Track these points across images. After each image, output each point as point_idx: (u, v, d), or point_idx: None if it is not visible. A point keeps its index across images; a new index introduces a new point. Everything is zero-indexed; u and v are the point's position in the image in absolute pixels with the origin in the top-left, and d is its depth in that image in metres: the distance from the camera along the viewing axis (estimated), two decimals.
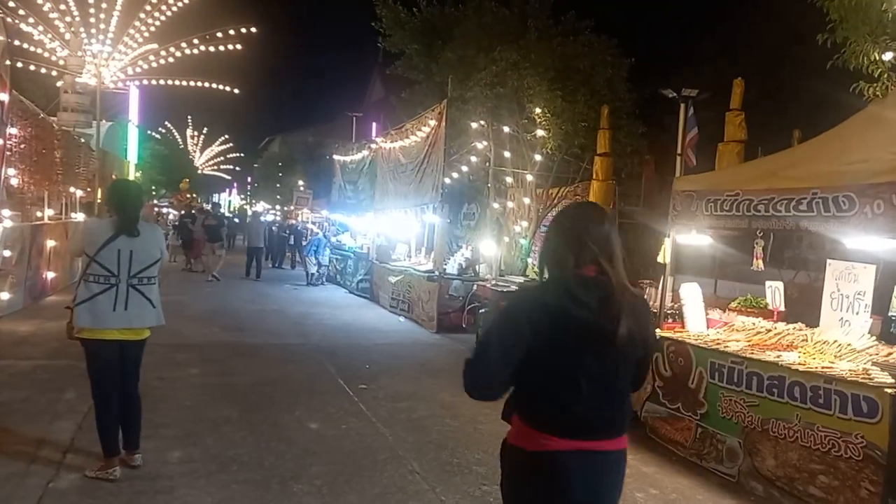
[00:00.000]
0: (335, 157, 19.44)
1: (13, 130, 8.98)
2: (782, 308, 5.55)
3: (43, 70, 20.43)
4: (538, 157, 11.11)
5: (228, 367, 7.38)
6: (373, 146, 15.77)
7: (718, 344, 5.03)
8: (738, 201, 4.92)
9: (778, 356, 4.57)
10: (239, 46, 21.93)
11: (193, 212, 19.92)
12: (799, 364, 4.37)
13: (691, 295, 5.72)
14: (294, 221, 25.66)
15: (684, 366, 5.21)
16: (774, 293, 5.52)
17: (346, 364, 7.89)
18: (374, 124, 24.26)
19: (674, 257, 5.84)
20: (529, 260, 12.24)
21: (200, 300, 12.51)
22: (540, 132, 10.78)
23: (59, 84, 19.92)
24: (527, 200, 11.61)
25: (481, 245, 11.43)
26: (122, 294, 3.96)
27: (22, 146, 9.37)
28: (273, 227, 24.59)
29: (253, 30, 23.16)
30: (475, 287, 10.36)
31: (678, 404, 5.29)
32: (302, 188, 26.92)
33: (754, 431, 4.56)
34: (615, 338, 2.04)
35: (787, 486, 4.33)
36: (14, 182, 9.33)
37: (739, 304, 5.92)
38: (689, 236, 5.53)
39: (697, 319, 5.67)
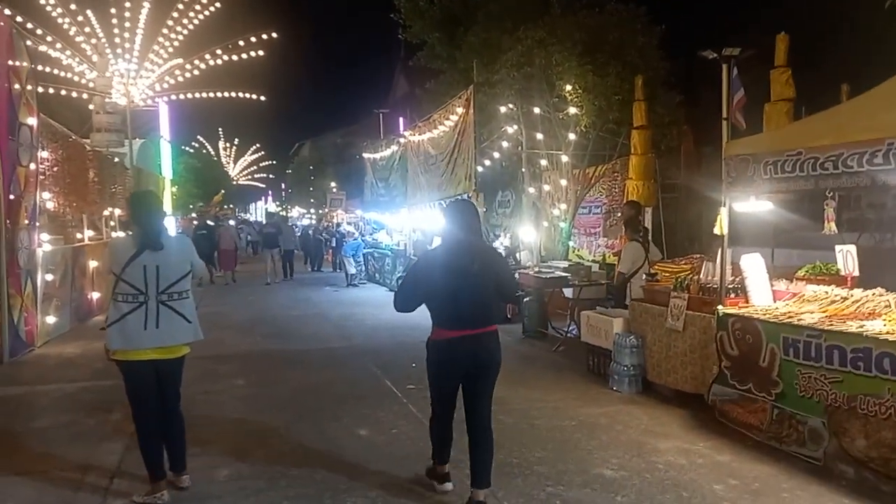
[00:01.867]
0: (364, 155, 19.29)
1: (44, 154, 9.00)
2: (856, 273, 5.10)
3: (74, 94, 20.79)
4: (572, 136, 10.70)
5: (272, 376, 7.23)
6: (401, 141, 15.54)
7: (791, 317, 4.63)
8: (801, 161, 4.50)
9: (861, 326, 4.16)
10: (261, 52, 21.91)
11: (211, 222, 19.70)
12: (887, 333, 3.96)
13: (753, 266, 5.32)
14: (329, 223, 25.68)
15: (753, 343, 4.82)
16: (846, 257, 5.08)
17: (392, 364, 7.68)
18: (401, 119, 24.03)
19: (731, 228, 5.42)
20: (571, 243, 11.87)
21: (241, 309, 12.48)
22: (572, 110, 10.37)
23: (90, 107, 20.22)
24: (563, 182, 11.22)
25: (521, 232, 11.09)
26: (151, 311, 3.78)
27: (54, 169, 9.39)
28: (309, 231, 24.66)
29: (274, 35, 23.20)
30: (517, 276, 10.02)
31: (749, 385, 4.91)
32: (334, 190, 26.89)
33: (839, 410, 4.17)
34: (470, 271, 3.75)
35: (882, 467, 3.93)
36: (50, 205, 9.36)
37: (807, 272, 5.48)
38: (747, 203, 5.12)
39: (762, 292, 5.27)
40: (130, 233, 3.98)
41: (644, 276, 7.09)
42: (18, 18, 14.46)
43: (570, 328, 8.68)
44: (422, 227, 15.13)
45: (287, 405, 6.01)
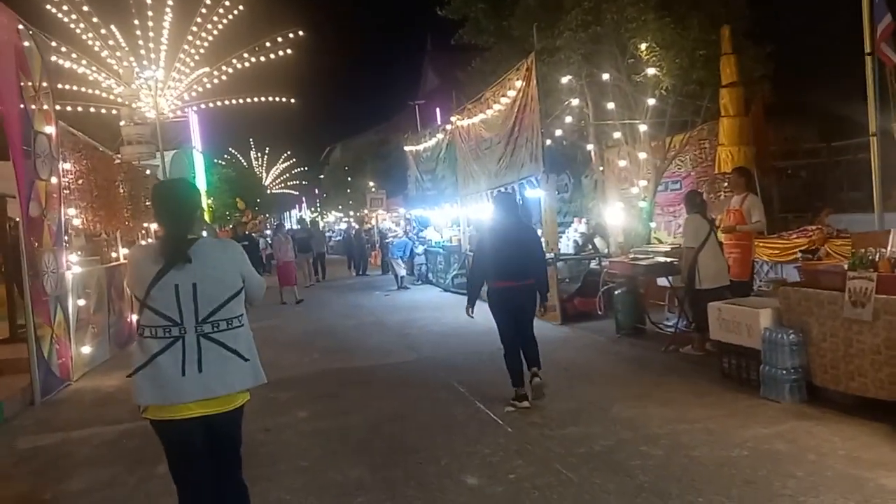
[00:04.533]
0: (406, 148, 18.14)
1: (66, 166, 8.07)
2: None
3: (103, 110, 20.19)
4: (651, 102, 9.36)
5: (341, 402, 6.13)
6: (448, 127, 14.34)
7: None
8: None
9: None
10: (289, 51, 21.03)
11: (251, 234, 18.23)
12: None
13: None
14: (370, 225, 24.70)
15: None
16: None
17: (475, 379, 6.52)
18: (437, 110, 22.90)
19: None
20: (652, 225, 10.52)
21: (293, 322, 11.48)
22: (651, 71, 9.04)
23: (121, 122, 19.57)
24: (642, 155, 9.88)
25: (605, 215, 9.80)
26: (191, 349, 2.66)
27: (79, 181, 8.46)
28: (351, 234, 23.74)
29: (300, 33, 22.30)
30: (605, 265, 8.76)
31: None
32: (373, 189, 25.84)
33: None
34: (511, 242, 5.44)
35: None
36: (77, 222, 8.43)
37: None
38: None
39: None
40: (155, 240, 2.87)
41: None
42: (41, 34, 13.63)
43: (679, 322, 7.38)
44: (477, 219, 13.94)
45: (367, 443, 4.88)
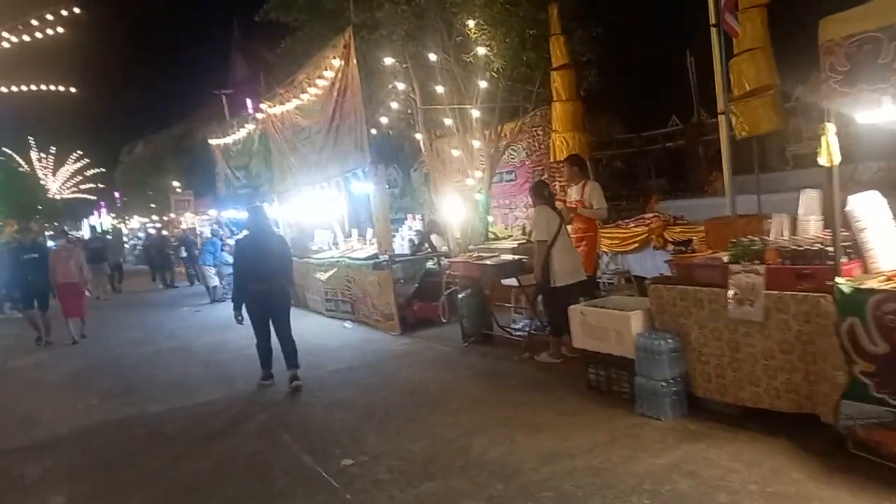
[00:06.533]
0: (211, 141, 16.04)
1: None
2: None
3: None
4: (483, 84, 8.60)
5: (118, 474, 4.54)
6: (259, 116, 12.67)
7: None
8: None
9: None
10: (60, 30, 17.78)
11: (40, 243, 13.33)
12: None
13: (871, 211, 3.51)
14: (178, 230, 22.00)
15: None
16: None
17: (303, 419, 5.28)
18: (248, 101, 20.84)
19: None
20: (490, 219, 9.85)
21: (69, 355, 9.24)
22: (481, 50, 8.27)
23: None
24: (476, 143, 9.12)
25: (441, 210, 8.88)
26: None
27: None
28: (150, 241, 20.94)
29: (76, 10, 19.05)
30: (445, 264, 7.85)
31: None
32: (179, 190, 23.02)
33: None
34: (262, 249, 6.21)
35: None
36: None
37: None
38: (877, 111, 3.24)
39: (890, 251, 3.48)
40: None
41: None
42: None
43: (531, 325, 6.64)
44: (298, 219, 12.50)
45: None
